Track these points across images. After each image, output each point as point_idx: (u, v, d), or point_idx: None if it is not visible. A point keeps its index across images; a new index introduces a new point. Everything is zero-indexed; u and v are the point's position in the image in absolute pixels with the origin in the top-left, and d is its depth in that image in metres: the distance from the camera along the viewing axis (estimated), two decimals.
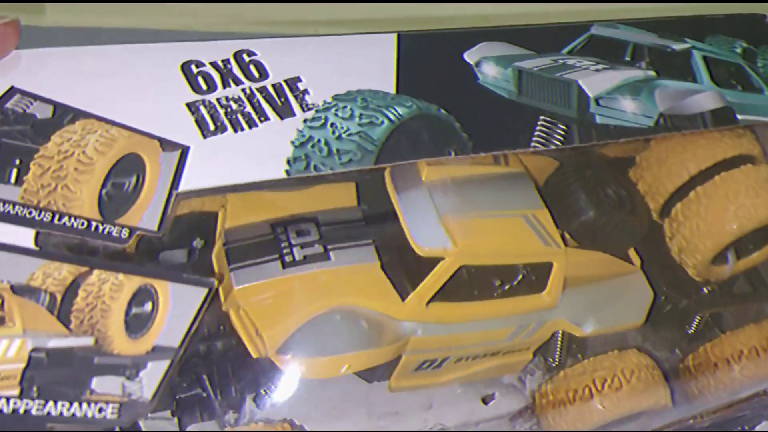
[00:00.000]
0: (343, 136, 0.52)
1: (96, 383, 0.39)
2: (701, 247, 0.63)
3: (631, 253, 0.63)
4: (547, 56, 0.62)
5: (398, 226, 0.53)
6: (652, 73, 0.64)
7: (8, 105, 0.46)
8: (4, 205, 0.43)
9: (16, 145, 0.45)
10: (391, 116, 0.54)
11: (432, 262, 0.51)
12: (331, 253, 0.52)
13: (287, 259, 0.51)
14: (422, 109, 0.55)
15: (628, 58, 0.65)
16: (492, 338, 0.55)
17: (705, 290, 0.67)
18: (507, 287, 0.54)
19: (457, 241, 0.51)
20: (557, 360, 0.60)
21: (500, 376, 0.61)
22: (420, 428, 0.65)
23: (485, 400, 0.68)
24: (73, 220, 0.43)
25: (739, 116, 0.64)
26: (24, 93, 0.47)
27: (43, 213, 0.43)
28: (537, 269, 0.54)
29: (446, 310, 0.52)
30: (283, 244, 0.52)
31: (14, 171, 0.44)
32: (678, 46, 0.67)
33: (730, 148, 0.65)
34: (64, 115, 0.47)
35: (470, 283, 0.53)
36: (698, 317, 0.68)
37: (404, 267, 0.52)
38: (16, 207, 0.43)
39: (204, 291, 0.43)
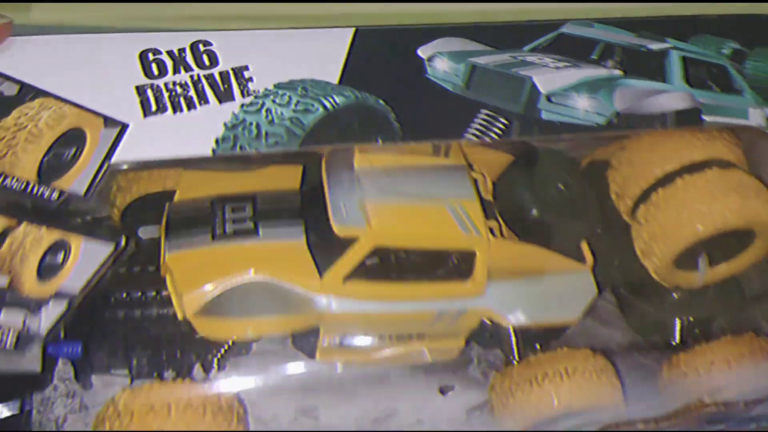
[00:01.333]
0: (276, 120, 0.56)
1: (3, 314, 0.45)
2: (657, 252, 0.62)
3: (586, 252, 0.63)
4: (507, 53, 0.63)
5: (325, 207, 0.56)
6: (618, 72, 0.63)
7: None
8: None
9: None
10: (327, 104, 0.57)
11: (351, 242, 0.54)
12: (261, 230, 0.56)
13: (218, 231, 0.56)
14: (359, 99, 0.57)
15: (595, 57, 0.64)
16: (411, 320, 0.57)
17: (674, 296, 0.66)
18: (429, 271, 0.55)
19: (372, 223, 0.53)
20: (516, 356, 0.60)
21: (441, 360, 0.62)
22: (371, 408, 0.67)
23: (443, 391, 0.69)
24: (14, 180, 0.50)
25: (706, 118, 0.62)
26: None
27: None
28: (463, 257, 0.56)
29: (363, 288, 0.55)
30: (217, 219, 0.56)
31: None
32: (655, 46, 0.65)
33: (700, 151, 0.63)
34: (27, 93, 0.54)
35: (391, 265, 0.55)
36: (679, 324, 0.66)
37: (327, 246, 0.54)
38: None
39: (111, 247, 0.48)
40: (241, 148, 0.55)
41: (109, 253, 0.47)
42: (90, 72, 0.56)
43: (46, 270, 0.46)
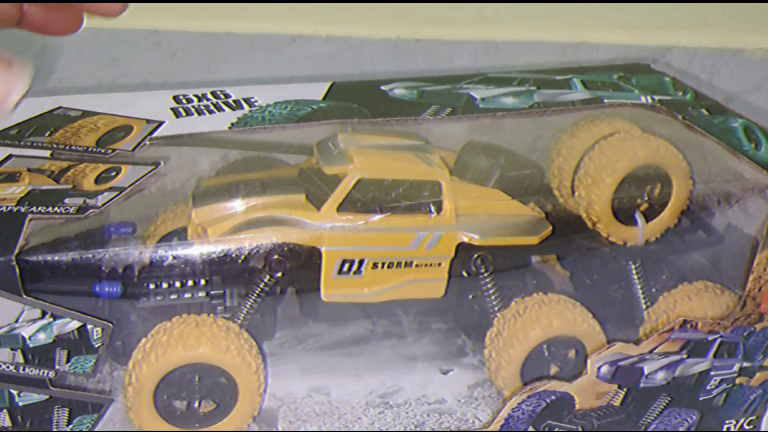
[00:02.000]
0: (275, 114, 0.74)
1: (66, 200, 0.58)
2: (595, 207, 0.75)
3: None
4: (448, 85, 0.84)
5: (319, 174, 0.71)
6: (534, 87, 0.83)
7: (58, 112, 0.73)
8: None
9: (54, 122, 0.70)
10: (315, 107, 0.76)
11: (339, 179, 0.68)
12: (268, 191, 0.70)
13: (233, 195, 0.70)
14: (340, 103, 0.76)
15: (515, 84, 0.85)
16: (397, 242, 0.68)
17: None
18: (407, 206, 0.69)
19: (355, 161, 0.68)
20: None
21: (425, 299, 0.71)
22: (377, 387, 0.74)
23: (444, 372, 0.77)
24: (76, 147, 0.66)
25: (605, 101, 0.80)
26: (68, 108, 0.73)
27: (59, 146, 0.66)
28: (431, 191, 0.69)
29: (353, 217, 0.67)
30: (232, 190, 0.71)
31: (49, 131, 0.69)
32: (559, 76, 0.86)
33: (607, 128, 0.80)
34: (88, 114, 0.73)
35: (374, 200, 0.68)
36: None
37: (320, 187, 0.68)
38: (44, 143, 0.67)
39: (152, 167, 0.62)
40: (249, 126, 0.71)
41: (149, 170, 0.61)
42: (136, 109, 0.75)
43: (101, 179, 0.60)
